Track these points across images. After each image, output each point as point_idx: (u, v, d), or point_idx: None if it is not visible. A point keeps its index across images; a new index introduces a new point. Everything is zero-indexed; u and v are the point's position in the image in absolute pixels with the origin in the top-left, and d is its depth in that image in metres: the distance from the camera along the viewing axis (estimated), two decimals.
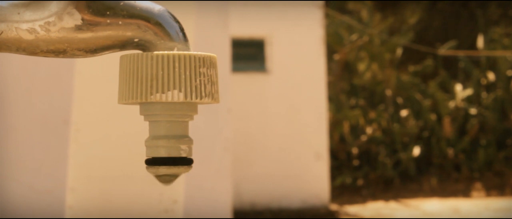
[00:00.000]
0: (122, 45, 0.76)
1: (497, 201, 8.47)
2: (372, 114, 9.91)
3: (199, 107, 0.78)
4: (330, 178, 8.51)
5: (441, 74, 10.22)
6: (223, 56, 4.73)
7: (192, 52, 0.74)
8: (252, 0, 7.48)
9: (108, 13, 0.74)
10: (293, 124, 7.67)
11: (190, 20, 2.77)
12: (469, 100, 10.02)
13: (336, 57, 9.75)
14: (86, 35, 0.74)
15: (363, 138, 9.65)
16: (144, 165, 0.76)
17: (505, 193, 9.00)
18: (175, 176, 0.76)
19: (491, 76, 10.14)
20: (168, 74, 0.73)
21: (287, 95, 7.69)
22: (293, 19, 7.68)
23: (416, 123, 9.84)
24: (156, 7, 0.76)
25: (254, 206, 7.56)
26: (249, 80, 7.65)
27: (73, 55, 0.76)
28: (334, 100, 9.51)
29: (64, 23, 0.74)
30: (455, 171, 9.64)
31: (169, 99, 0.73)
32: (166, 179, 0.76)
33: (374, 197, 8.92)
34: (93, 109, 2.66)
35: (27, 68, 3.80)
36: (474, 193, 9.04)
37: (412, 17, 11.43)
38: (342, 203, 8.47)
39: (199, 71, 0.74)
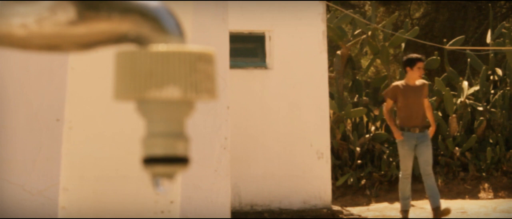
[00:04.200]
0: (118, 40, 0.77)
1: (506, 202, 8.45)
2: (376, 111, 9.89)
3: (197, 104, 0.78)
4: (333, 177, 8.48)
5: (447, 70, 10.18)
6: (222, 52, 4.72)
7: (189, 47, 0.74)
8: None
9: (103, 7, 0.72)
10: (294, 122, 7.63)
11: (188, 15, 2.72)
12: (476, 97, 9.94)
13: (339, 52, 9.70)
14: (80, 30, 0.74)
15: (367, 136, 9.60)
16: (140, 164, 0.76)
17: None
18: (172, 176, 0.76)
19: (499, 72, 10.07)
20: (165, 70, 0.72)
21: (288, 92, 7.65)
22: (294, 13, 7.64)
23: None
24: (153, 2, 0.76)
25: (254, 207, 7.52)
26: (248, 76, 7.59)
27: (67, 51, 0.77)
28: (337, 97, 9.45)
29: (58, 17, 0.73)
30: (462, 171, 9.58)
31: (166, 95, 0.73)
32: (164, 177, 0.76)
33: (378, 197, 8.97)
34: (87, 107, 2.65)
35: (18, 64, 3.80)
36: (482, 194, 9.02)
37: (417, 11, 11.51)
38: (345, 203, 8.52)
39: (197, 67, 0.73)
